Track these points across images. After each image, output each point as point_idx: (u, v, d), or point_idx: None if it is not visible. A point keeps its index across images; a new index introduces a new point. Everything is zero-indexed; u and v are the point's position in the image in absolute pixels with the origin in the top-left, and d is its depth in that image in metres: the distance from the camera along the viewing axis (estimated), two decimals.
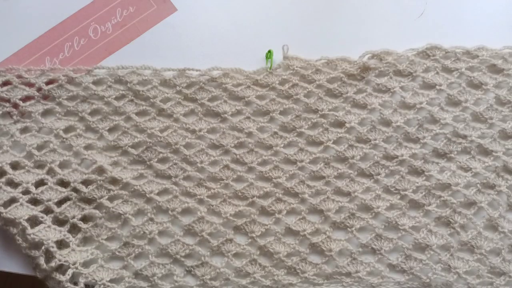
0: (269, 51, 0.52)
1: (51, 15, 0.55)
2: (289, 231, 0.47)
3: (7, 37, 0.55)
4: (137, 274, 0.45)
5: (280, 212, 0.47)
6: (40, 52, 0.54)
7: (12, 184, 0.47)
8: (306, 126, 0.50)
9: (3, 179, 0.47)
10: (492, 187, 0.47)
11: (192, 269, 0.45)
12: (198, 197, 0.47)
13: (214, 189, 0.48)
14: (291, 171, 0.48)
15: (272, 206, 0.47)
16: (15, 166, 0.48)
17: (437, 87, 0.50)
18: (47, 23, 0.55)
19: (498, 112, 0.49)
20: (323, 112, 0.50)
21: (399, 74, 0.52)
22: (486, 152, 0.48)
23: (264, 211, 0.47)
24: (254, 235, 0.46)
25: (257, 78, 0.51)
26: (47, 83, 0.51)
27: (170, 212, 0.47)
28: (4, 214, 0.45)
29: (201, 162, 0.48)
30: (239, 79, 0.51)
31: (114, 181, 0.47)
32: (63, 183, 0.47)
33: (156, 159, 0.48)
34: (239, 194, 0.48)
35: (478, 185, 0.47)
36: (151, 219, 0.47)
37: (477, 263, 0.45)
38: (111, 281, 0.45)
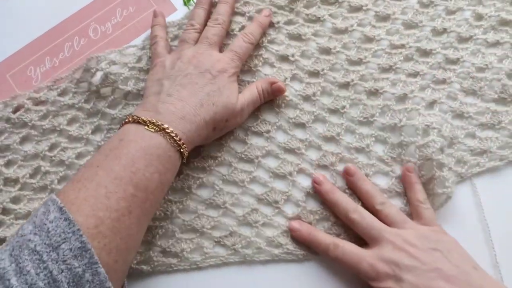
0: None
1: (51, 15, 0.56)
2: (311, 195, 0.47)
3: (7, 37, 0.55)
4: (164, 252, 0.45)
5: (290, 174, 0.47)
6: (40, 52, 0.54)
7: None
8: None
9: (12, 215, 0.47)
10: (443, 81, 0.49)
11: (221, 240, 0.45)
12: (208, 168, 0.47)
13: (220, 157, 0.48)
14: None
15: (280, 168, 0.47)
16: (15, 201, 0.48)
17: (363, 7, 0.51)
18: (47, 23, 0.55)
19: (425, 14, 0.52)
20: (263, 45, 0.51)
21: (326, 2, 0.52)
22: (426, 52, 0.50)
23: (276, 175, 0.47)
24: (279, 206, 0.46)
25: None
26: (14, 112, 0.51)
27: (186, 189, 0.44)
28: None
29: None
30: (258, 3, 0.52)
31: None
32: None
33: None
34: (243, 156, 0.48)
35: (430, 85, 0.48)
36: (169, 200, 0.45)
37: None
38: (137, 263, 0.44)
